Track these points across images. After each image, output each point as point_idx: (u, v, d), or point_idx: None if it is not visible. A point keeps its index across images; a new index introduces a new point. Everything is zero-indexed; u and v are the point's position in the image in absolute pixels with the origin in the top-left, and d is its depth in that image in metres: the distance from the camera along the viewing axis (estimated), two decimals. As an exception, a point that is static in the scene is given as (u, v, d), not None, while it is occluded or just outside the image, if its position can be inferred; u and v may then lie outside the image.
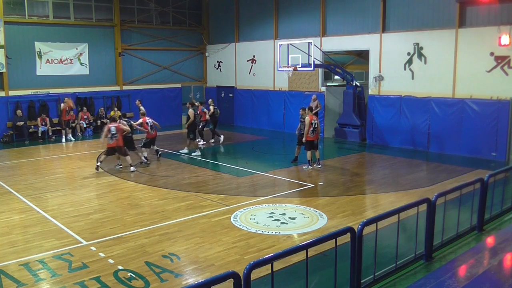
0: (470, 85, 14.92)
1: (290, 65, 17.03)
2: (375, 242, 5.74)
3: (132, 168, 13.27)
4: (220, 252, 7.47)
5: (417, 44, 16.19)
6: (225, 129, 19.93)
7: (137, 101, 18.03)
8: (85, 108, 20.71)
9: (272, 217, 9.20)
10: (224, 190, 11.32)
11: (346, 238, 5.33)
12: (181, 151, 15.71)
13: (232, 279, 4.10)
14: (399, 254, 6.15)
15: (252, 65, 22.72)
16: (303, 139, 13.17)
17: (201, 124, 17.56)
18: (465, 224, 7.45)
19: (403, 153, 15.85)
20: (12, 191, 11.33)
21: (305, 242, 5.12)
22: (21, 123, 18.93)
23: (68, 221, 9.08)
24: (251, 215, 9.33)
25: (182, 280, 6.56)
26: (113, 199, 10.68)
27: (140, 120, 14.71)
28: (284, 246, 7.61)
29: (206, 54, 25.30)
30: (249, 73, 22.88)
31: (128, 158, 13.33)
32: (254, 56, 22.55)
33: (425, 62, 16.07)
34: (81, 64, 21.29)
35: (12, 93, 19.36)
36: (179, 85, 24.38)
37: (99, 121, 21.24)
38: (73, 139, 19.29)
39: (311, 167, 13.32)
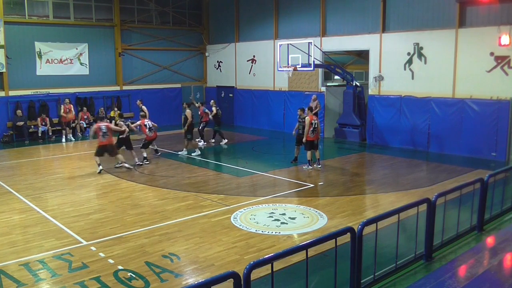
0: (470, 85, 14.92)
1: (290, 65, 17.02)
2: (375, 242, 5.74)
3: (127, 165, 13.33)
4: (220, 252, 7.47)
5: (417, 44, 16.20)
6: (225, 129, 19.89)
7: (138, 101, 18.04)
8: (85, 108, 20.71)
9: (272, 217, 9.20)
10: (224, 190, 11.32)
11: (346, 238, 5.33)
12: (179, 153, 15.66)
13: (232, 279, 4.10)
14: (399, 254, 6.15)
15: (252, 65, 22.72)
16: (303, 139, 13.17)
17: (201, 125, 17.56)
18: (465, 224, 7.45)
19: (403, 153, 15.85)
20: (12, 191, 11.33)
21: (305, 242, 5.12)
22: (21, 123, 18.93)
23: (68, 221, 9.08)
24: (251, 215, 9.33)
25: (182, 280, 6.56)
26: (113, 199, 10.68)
27: (139, 122, 14.76)
28: (284, 246, 7.61)
29: (206, 54, 25.30)
30: (249, 73, 22.89)
31: (119, 156, 13.37)
32: (254, 56, 22.55)
33: (425, 62, 16.07)
34: (81, 64, 21.29)
35: (12, 93, 19.37)
36: (179, 85, 24.39)
37: (118, 119, 21.16)
38: (73, 139, 19.30)
39: (311, 167, 13.32)
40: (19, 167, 14.27)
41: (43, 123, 19.31)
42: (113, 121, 21.20)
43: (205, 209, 9.75)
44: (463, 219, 7.40)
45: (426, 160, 15.03)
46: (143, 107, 16.48)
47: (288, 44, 17.33)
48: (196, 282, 5.10)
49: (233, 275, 4.11)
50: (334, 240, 5.18)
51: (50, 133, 19.57)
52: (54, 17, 20.38)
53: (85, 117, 20.59)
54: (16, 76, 19.48)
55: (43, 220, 9.19)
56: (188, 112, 15.76)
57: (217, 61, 24.80)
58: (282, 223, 8.85)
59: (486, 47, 14.40)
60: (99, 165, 13.17)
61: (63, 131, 19.30)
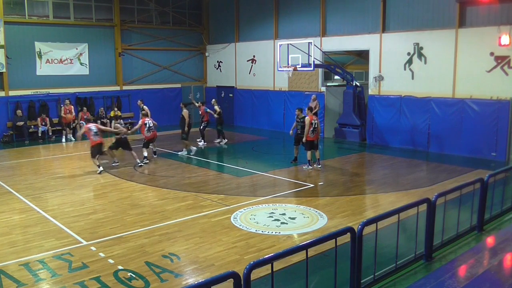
0: (470, 85, 14.92)
1: (290, 65, 17.02)
2: (375, 242, 5.74)
3: (99, 171, 13.22)
4: (220, 252, 7.47)
5: (417, 44, 16.20)
6: (225, 129, 19.83)
7: (139, 101, 18.05)
8: (85, 108, 20.70)
9: (272, 217, 9.20)
10: (224, 190, 11.32)
11: (346, 238, 5.33)
12: (179, 154, 15.64)
13: (232, 279, 4.10)
14: (399, 254, 6.15)
15: (252, 65, 22.72)
16: (303, 139, 13.17)
17: (203, 124, 17.55)
18: (465, 224, 7.45)
19: (403, 153, 15.85)
20: (12, 191, 11.34)
21: (305, 242, 5.12)
22: (21, 123, 18.94)
23: (68, 221, 9.08)
24: (251, 215, 9.33)
25: (182, 280, 6.56)
26: (113, 199, 10.68)
27: (140, 122, 14.77)
28: (284, 246, 7.61)
29: (206, 54, 25.30)
30: (249, 73, 22.89)
31: (95, 160, 13.39)
32: (254, 56, 22.55)
33: (425, 62, 16.07)
34: (81, 64, 21.30)
35: (12, 93, 19.37)
36: (179, 85, 24.39)
37: (99, 121, 21.21)
38: (73, 139, 19.30)
39: (311, 167, 13.32)
40: (19, 167, 14.27)
41: (43, 123, 19.32)
42: (113, 121, 21.37)
43: (205, 209, 9.75)
44: (463, 219, 7.40)
45: (426, 160, 15.03)
46: (145, 107, 16.47)
47: (288, 44, 17.33)
48: (196, 282, 5.10)
49: (233, 275, 4.11)
50: (334, 240, 5.18)
51: (50, 133, 19.57)
52: (54, 17, 20.38)
53: (85, 117, 20.49)
54: (16, 76, 19.49)
55: (43, 220, 9.19)
56: (185, 112, 15.72)
57: (217, 61, 24.80)
58: (282, 223, 8.85)
59: (486, 47, 14.40)
60: (98, 166, 13.19)
61: (63, 131, 19.30)
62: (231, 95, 24.03)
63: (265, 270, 5.14)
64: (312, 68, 16.97)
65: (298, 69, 16.90)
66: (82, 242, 7.96)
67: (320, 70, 19.18)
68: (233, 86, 23.91)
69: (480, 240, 7.32)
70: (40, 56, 20.08)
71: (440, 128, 15.76)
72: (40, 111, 19.68)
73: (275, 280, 4.60)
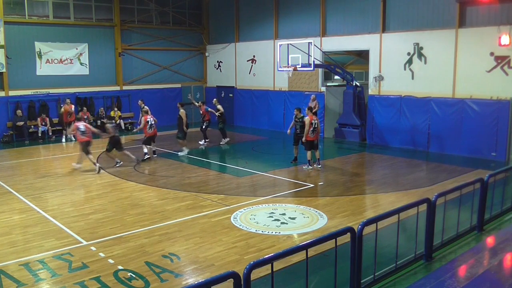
0: (470, 85, 14.92)
1: (290, 65, 17.02)
2: (375, 242, 5.74)
3: (97, 167, 13.35)
4: (220, 252, 7.47)
5: (417, 44, 16.20)
6: (225, 129, 19.88)
7: (140, 101, 18.08)
8: (85, 108, 20.69)
9: (272, 217, 9.20)
10: (224, 190, 11.32)
11: (346, 238, 5.33)
12: (179, 154, 15.62)
13: (232, 279, 4.10)
14: (399, 254, 6.15)
15: (252, 65, 22.72)
16: (303, 139, 13.17)
17: (204, 124, 17.54)
18: (465, 224, 7.45)
19: (403, 153, 15.85)
20: (12, 191, 11.33)
21: (305, 242, 5.12)
22: (21, 123, 18.94)
23: (68, 221, 9.08)
24: (251, 215, 9.33)
25: (182, 280, 6.56)
26: (113, 199, 10.67)
27: (143, 121, 14.90)
28: (284, 246, 7.61)
29: (206, 54, 25.30)
30: (249, 73, 22.89)
31: (90, 156, 13.50)
32: (254, 56, 22.55)
33: (425, 62, 16.07)
34: (81, 64, 21.30)
35: (12, 93, 19.37)
36: (179, 85, 24.39)
37: (99, 121, 21.24)
38: (73, 139, 19.25)
39: (311, 167, 13.32)
40: (19, 167, 14.27)
41: (43, 123, 19.32)
42: (113, 121, 21.36)
43: (205, 209, 9.75)
44: (463, 219, 7.41)
45: (426, 160, 15.02)
46: (145, 107, 16.47)
47: (288, 44, 17.33)
48: (196, 282, 5.10)
49: (233, 275, 4.11)
50: (334, 240, 5.18)
51: (50, 133, 19.57)
52: (54, 17, 20.39)
53: (85, 117, 20.52)
54: (16, 76, 19.49)
55: (43, 220, 9.19)
56: (182, 112, 15.69)
57: (217, 61, 24.81)
58: (282, 223, 8.85)
59: (486, 47, 14.41)
60: (95, 164, 13.32)
61: (63, 131, 19.29)
62: (231, 95, 24.03)
63: (265, 270, 5.15)
64: (312, 68, 16.97)
65: (298, 69, 16.90)
66: (82, 242, 7.96)
67: (320, 70, 19.18)
68: (233, 86, 23.91)
69: (480, 240, 7.33)
70: (40, 56, 20.08)
71: (440, 128, 15.75)
72: (40, 111, 19.68)
73: (275, 280, 4.60)
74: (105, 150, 14.40)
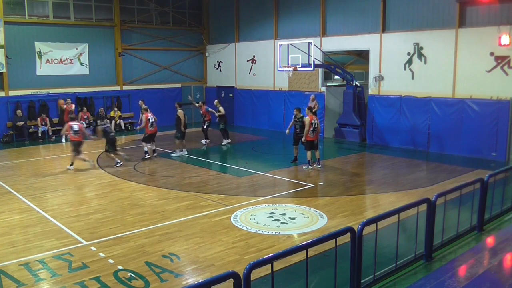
0: (470, 85, 14.92)
1: (290, 65, 17.02)
2: (375, 242, 5.74)
3: (90, 162, 13.70)
4: (220, 252, 7.47)
5: (417, 44, 16.20)
6: (225, 129, 19.96)
7: (140, 101, 18.08)
8: (85, 108, 20.71)
9: (272, 217, 9.20)
10: (224, 190, 11.32)
11: (346, 238, 5.33)
12: (173, 155, 15.57)
13: (232, 279, 4.10)
14: (399, 254, 6.15)
15: (252, 65, 22.72)
16: (303, 139, 13.17)
17: (205, 124, 17.53)
18: (465, 224, 7.45)
19: (403, 153, 15.85)
20: (12, 191, 11.33)
21: (305, 242, 5.12)
22: (21, 123, 18.94)
23: (68, 221, 9.08)
24: (251, 215, 9.33)
25: (182, 280, 6.56)
26: (113, 199, 10.67)
27: (144, 119, 15.01)
28: (284, 246, 7.61)
29: (206, 54, 25.31)
30: (249, 73, 22.89)
31: (81, 156, 13.67)
32: (254, 56, 22.55)
33: (425, 62, 16.07)
34: (81, 64, 21.30)
35: (12, 93, 19.37)
36: (179, 85, 24.39)
37: (99, 121, 21.23)
38: (63, 140, 19.21)
39: (311, 167, 13.32)
40: (19, 167, 14.27)
41: (43, 123, 19.31)
42: (113, 121, 21.40)
43: (205, 209, 9.75)
44: (463, 219, 7.40)
45: (426, 160, 15.02)
46: (144, 105, 16.51)
47: (288, 44, 17.33)
48: (196, 282, 5.10)
49: (233, 275, 4.11)
50: (334, 240, 5.18)
51: (50, 133, 19.56)
52: (54, 17, 20.39)
53: (85, 117, 20.56)
54: (16, 76, 19.49)
55: (43, 220, 9.19)
56: (180, 112, 15.67)
57: (217, 61, 24.81)
58: (282, 223, 8.85)
59: (486, 47, 14.40)
60: (86, 160, 13.57)
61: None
62: (231, 95, 24.03)
63: (265, 270, 5.15)
64: (312, 68, 16.97)
65: (298, 69, 16.90)
66: (82, 242, 7.96)
67: (320, 70, 19.18)
68: (233, 86, 23.92)
69: (480, 240, 7.32)
70: (40, 56, 20.08)
71: (440, 128, 15.75)
72: (40, 111, 19.68)
73: (275, 280, 4.60)
74: (104, 150, 14.47)
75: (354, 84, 18.19)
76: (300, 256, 5.74)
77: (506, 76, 14.09)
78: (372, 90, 17.79)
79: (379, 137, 17.62)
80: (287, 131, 14.36)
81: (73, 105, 19.60)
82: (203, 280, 4.49)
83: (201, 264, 7.05)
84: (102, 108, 21.42)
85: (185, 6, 24.68)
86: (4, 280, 6.52)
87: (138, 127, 16.01)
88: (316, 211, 9.49)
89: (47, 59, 20.26)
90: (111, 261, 7.15)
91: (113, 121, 21.46)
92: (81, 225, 8.86)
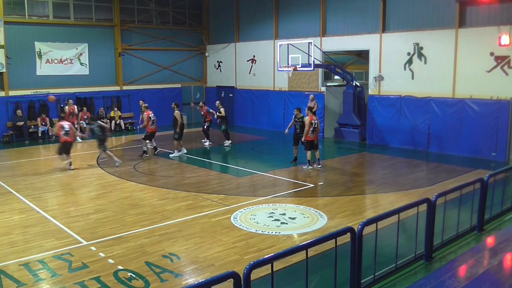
0: (470, 85, 14.92)
1: (290, 65, 17.03)
2: (375, 242, 5.74)
3: (71, 167, 13.59)
4: (220, 252, 7.47)
5: (417, 44, 16.20)
6: (225, 129, 19.95)
7: (141, 101, 18.07)
8: (85, 108, 20.71)
9: (272, 217, 9.20)
10: (224, 190, 11.32)
11: (346, 238, 5.33)
12: (171, 156, 15.57)
13: (232, 279, 4.09)
14: (399, 254, 6.15)
15: (252, 65, 22.73)
16: (303, 139, 13.17)
17: (206, 124, 17.53)
18: (465, 224, 7.45)
19: (403, 153, 15.85)
20: (12, 191, 11.33)
21: (305, 242, 5.12)
22: (21, 123, 18.94)
23: (68, 221, 9.08)
24: (251, 215, 9.33)
25: (182, 280, 6.56)
26: (113, 199, 10.67)
27: (145, 117, 15.14)
28: (284, 246, 7.61)
29: (206, 54, 25.31)
30: (249, 73, 22.89)
31: (68, 156, 13.73)
32: (254, 56, 22.55)
33: (425, 62, 16.07)
34: (81, 64, 21.30)
35: (12, 93, 19.37)
36: (179, 85, 24.40)
37: (99, 121, 21.23)
38: (79, 140, 19.24)
39: (311, 167, 13.32)
40: (19, 167, 14.27)
41: (43, 123, 19.31)
42: (113, 121, 21.41)
43: (205, 209, 9.75)
44: (463, 219, 7.40)
45: (426, 160, 15.02)
46: (146, 105, 16.50)
47: (288, 44, 17.34)
48: (196, 282, 5.10)
49: (233, 275, 4.11)
50: (334, 240, 5.18)
51: (50, 133, 19.53)
52: (54, 17, 20.39)
53: (85, 117, 20.56)
54: (16, 76, 19.49)
55: (43, 220, 9.19)
56: (177, 113, 15.67)
57: (217, 61, 24.81)
58: (282, 223, 8.85)
59: (486, 47, 14.41)
60: (65, 161, 13.60)
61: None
62: (231, 95, 24.03)
63: (265, 270, 5.14)
64: (312, 68, 16.98)
65: (298, 69, 16.91)
66: (82, 242, 7.95)
67: (320, 70, 19.18)
68: (233, 86, 23.92)
69: (480, 240, 7.32)
70: (40, 56, 20.08)
71: (440, 128, 15.75)
72: (40, 111, 19.67)
73: (275, 280, 4.59)
74: (102, 151, 14.52)
75: (354, 84, 18.19)
76: (300, 256, 5.74)
77: (506, 76, 14.09)
78: (372, 90, 17.79)
79: (379, 137, 17.62)
80: (286, 131, 14.38)
81: (75, 106, 19.56)
82: (203, 280, 4.49)
83: (201, 264, 7.05)
84: (102, 108, 21.43)
85: (185, 6, 24.68)
86: (4, 280, 6.52)
87: (140, 126, 15.96)
88: (316, 211, 9.49)
89: (47, 59, 20.26)
90: (111, 261, 7.15)
91: (113, 121, 21.48)
92: (81, 225, 8.86)
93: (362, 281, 5.55)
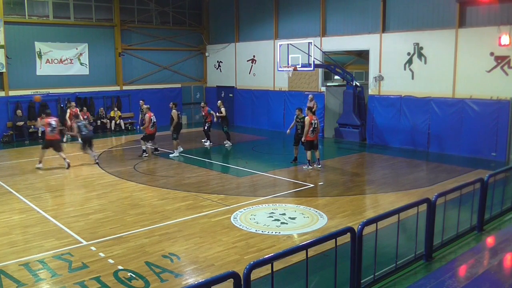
0: (470, 85, 14.92)
1: (290, 65, 17.03)
2: (375, 242, 5.74)
3: (66, 162, 13.75)
4: (220, 252, 7.46)
5: (417, 44, 16.20)
6: (225, 129, 19.95)
7: (141, 101, 18.07)
8: (85, 108, 20.68)
9: (272, 217, 9.20)
10: (224, 190, 11.32)
11: (346, 238, 5.33)
12: (170, 156, 15.57)
13: (232, 279, 4.10)
14: (399, 254, 6.15)
15: (252, 65, 22.73)
16: (303, 139, 13.17)
17: (206, 125, 17.53)
18: (465, 224, 7.45)
19: (403, 153, 15.85)
20: (12, 191, 11.33)
21: (305, 242, 5.12)
22: (21, 123, 18.93)
23: (68, 221, 9.08)
24: (251, 215, 9.33)
25: (182, 280, 6.56)
26: (113, 199, 10.67)
27: (147, 118, 15.22)
28: (284, 246, 7.61)
29: (206, 54, 25.31)
30: (249, 73, 22.89)
31: (62, 154, 13.80)
32: (254, 56, 22.55)
33: (425, 62, 16.08)
34: (81, 64, 21.30)
35: (12, 93, 19.37)
36: (179, 85, 24.39)
37: (99, 121, 21.26)
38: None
39: (311, 167, 13.32)
40: (19, 167, 14.27)
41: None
42: (113, 121, 21.41)
43: (205, 209, 9.75)
44: (463, 219, 7.41)
45: (426, 160, 15.02)
46: (147, 106, 16.50)
47: (288, 44, 17.34)
48: (196, 282, 5.10)
49: (233, 275, 4.11)
50: (334, 240, 5.19)
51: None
52: (54, 17, 20.39)
53: (85, 117, 20.51)
54: (16, 76, 19.49)
55: (43, 220, 9.19)
56: (174, 112, 15.71)
57: (217, 61, 24.81)
58: (282, 223, 8.85)
59: (486, 47, 14.41)
60: (39, 162, 13.71)
61: (63, 130, 19.24)
62: (231, 95, 24.03)
63: (265, 270, 5.15)
64: (312, 68, 16.98)
65: (298, 69, 16.91)
66: (82, 242, 7.95)
67: (320, 70, 19.18)
68: (233, 86, 23.92)
69: (480, 240, 7.33)
70: (40, 56, 20.08)
71: (440, 128, 15.75)
72: (40, 111, 19.59)
73: (275, 280, 4.60)
74: (80, 147, 14.80)
75: (354, 84, 18.19)
76: (300, 256, 5.74)
77: (506, 76, 14.09)
78: (372, 90, 17.79)
79: (379, 137, 17.62)
80: (288, 131, 14.36)
81: (78, 109, 19.47)
82: (203, 280, 4.49)
83: (201, 264, 7.05)
84: (102, 108, 21.45)
85: (185, 6, 24.67)
86: (4, 280, 6.52)
87: (142, 127, 15.95)
88: (316, 211, 9.49)
89: (47, 59, 20.26)
90: (111, 261, 7.15)
91: (113, 121, 21.48)
92: (81, 225, 8.86)
93: (362, 281, 5.55)
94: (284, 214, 9.38)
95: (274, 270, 4.56)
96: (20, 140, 18.96)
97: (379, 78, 17.46)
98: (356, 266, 5.38)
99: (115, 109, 21.79)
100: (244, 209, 9.69)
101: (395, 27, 17.01)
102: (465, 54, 15.04)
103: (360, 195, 11.02)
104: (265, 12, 21.82)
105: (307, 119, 13.12)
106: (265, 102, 22.02)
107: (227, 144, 17.54)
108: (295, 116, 13.87)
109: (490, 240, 6.98)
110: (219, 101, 18.40)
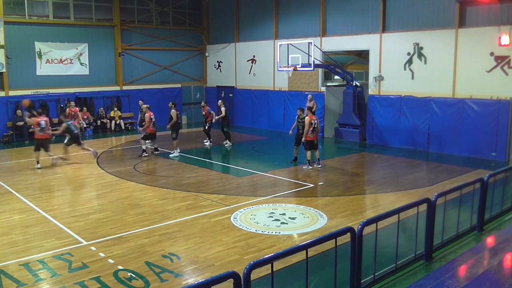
0: (470, 85, 14.92)
1: (290, 65, 17.03)
2: (375, 242, 5.74)
3: (53, 159, 14.08)
4: (220, 252, 7.46)
5: (417, 44, 16.20)
6: (225, 129, 19.94)
7: (140, 101, 18.06)
8: (85, 108, 20.70)
9: (272, 217, 9.20)
10: (224, 190, 11.32)
11: (346, 238, 5.33)
12: (170, 156, 15.57)
13: (232, 279, 4.10)
14: (399, 254, 6.15)
15: (252, 65, 22.73)
16: (303, 139, 13.17)
17: (207, 125, 17.54)
18: (465, 224, 7.45)
19: (403, 153, 15.85)
20: (12, 191, 11.33)
21: (305, 242, 5.12)
22: (21, 123, 18.93)
23: (68, 221, 9.08)
24: (251, 215, 9.33)
25: (182, 280, 6.56)
26: (113, 199, 10.67)
27: (147, 118, 15.25)
28: (284, 246, 7.61)
29: (206, 54, 25.31)
30: (249, 73, 22.89)
31: (37, 154, 13.89)
32: (254, 56, 22.55)
33: (425, 62, 16.08)
34: (81, 64, 21.30)
35: (12, 93, 19.37)
36: (179, 85, 24.39)
37: (99, 121, 21.27)
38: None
39: (311, 167, 13.32)
40: (19, 167, 14.27)
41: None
42: (113, 121, 21.41)
43: (205, 209, 9.75)
44: (463, 219, 7.41)
45: (426, 160, 15.02)
46: (147, 105, 16.50)
47: (288, 44, 17.34)
48: (196, 282, 5.10)
49: (233, 275, 4.11)
50: (334, 240, 5.19)
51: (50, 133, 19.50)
52: (54, 17, 20.39)
53: (85, 117, 20.55)
54: (16, 76, 19.49)
55: (43, 220, 9.19)
56: (173, 112, 15.72)
57: (217, 61, 24.81)
58: (282, 223, 8.85)
59: (486, 47, 14.41)
60: (37, 162, 13.75)
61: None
62: (231, 95, 24.03)
63: (265, 270, 5.14)
64: (312, 68, 16.98)
65: (298, 69, 16.91)
66: (82, 242, 7.95)
67: (320, 70, 19.18)
68: (233, 86, 23.92)
69: (480, 240, 7.33)
70: (40, 56, 20.08)
71: (440, 128, 15.75)
72: (40, 111, 19.62)
73: (275, 280, 4.60)
74: (64, 143, 14.91)
75: (354, 84, 18.19)
76: (300, 256, 5.74)
77: (506, 76, 14.09)
78: (372, 90, 17.79)
79: (379, 137, 17.62)
80: (290, 132, 14.31)
81: (77, 109, 19.45)
82: (203, 280, 4.50)
83: (201, 264, 7.05)
84: (102, 108, 21.45)
85: (185, 6, 24.68)
86: (4, 280, 6.52)
87: (142, 128, 15.91)
88: (316, 211, 9.49)
89: (47, 59, 20.26)
90: (111, 261, 7.15)
91: (113, 121, 21.49)
92: (81, 225, 8.86)
93: (362, 281, 5.55)
94: (284, 214, 9.38)
95: (274, 270, 4.56)
96: (20, 140, 18.96)
97: (379, 78, 17.46)
98: (356, 266, 5.38)
99: (115, 109, 21.79)
100: (244, 209, 9.68)
101: (395, 27, 17.01)
102: (465, 54, 15.04)
103: (360, 195, 11.02)
104: (265, 12, 21.82)
105: (307, 119, 13.12)
106: (265, 102, 22.02)
107: (227, 144, 17.54)
108: (297, 116, 13.86)
109: (490, 240, 6.99)
110: (219, 101, 18.40)
